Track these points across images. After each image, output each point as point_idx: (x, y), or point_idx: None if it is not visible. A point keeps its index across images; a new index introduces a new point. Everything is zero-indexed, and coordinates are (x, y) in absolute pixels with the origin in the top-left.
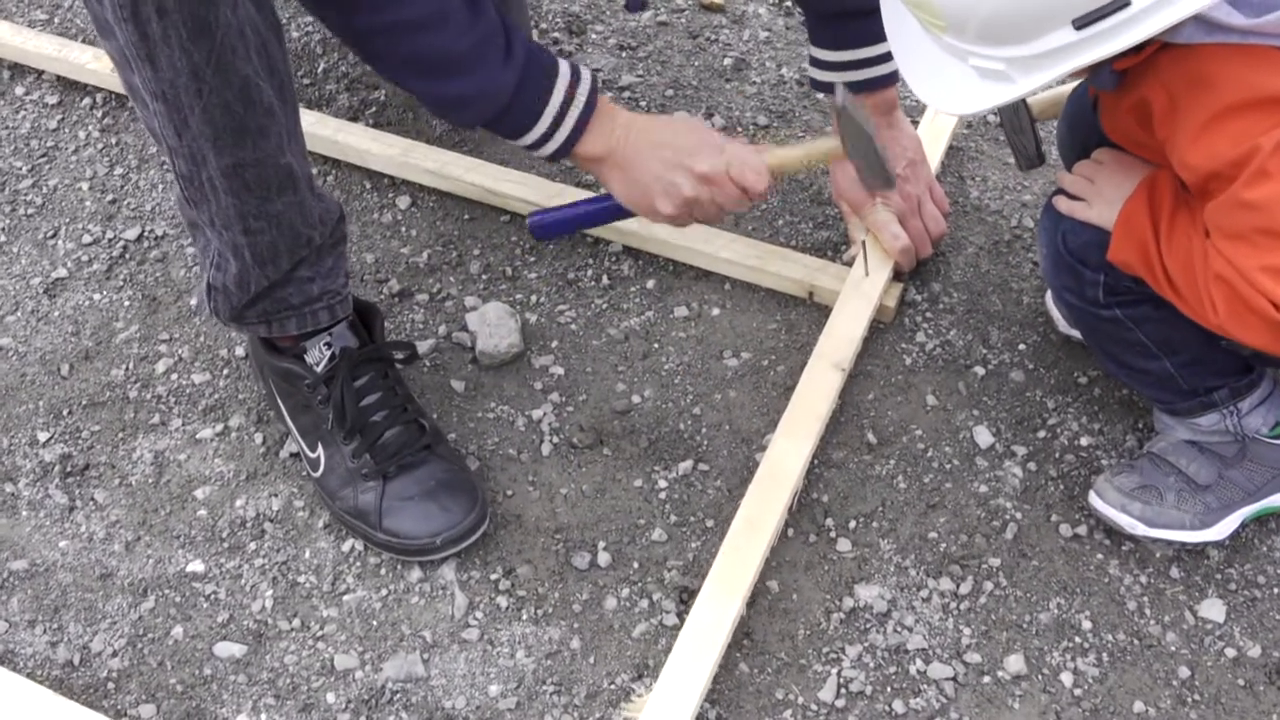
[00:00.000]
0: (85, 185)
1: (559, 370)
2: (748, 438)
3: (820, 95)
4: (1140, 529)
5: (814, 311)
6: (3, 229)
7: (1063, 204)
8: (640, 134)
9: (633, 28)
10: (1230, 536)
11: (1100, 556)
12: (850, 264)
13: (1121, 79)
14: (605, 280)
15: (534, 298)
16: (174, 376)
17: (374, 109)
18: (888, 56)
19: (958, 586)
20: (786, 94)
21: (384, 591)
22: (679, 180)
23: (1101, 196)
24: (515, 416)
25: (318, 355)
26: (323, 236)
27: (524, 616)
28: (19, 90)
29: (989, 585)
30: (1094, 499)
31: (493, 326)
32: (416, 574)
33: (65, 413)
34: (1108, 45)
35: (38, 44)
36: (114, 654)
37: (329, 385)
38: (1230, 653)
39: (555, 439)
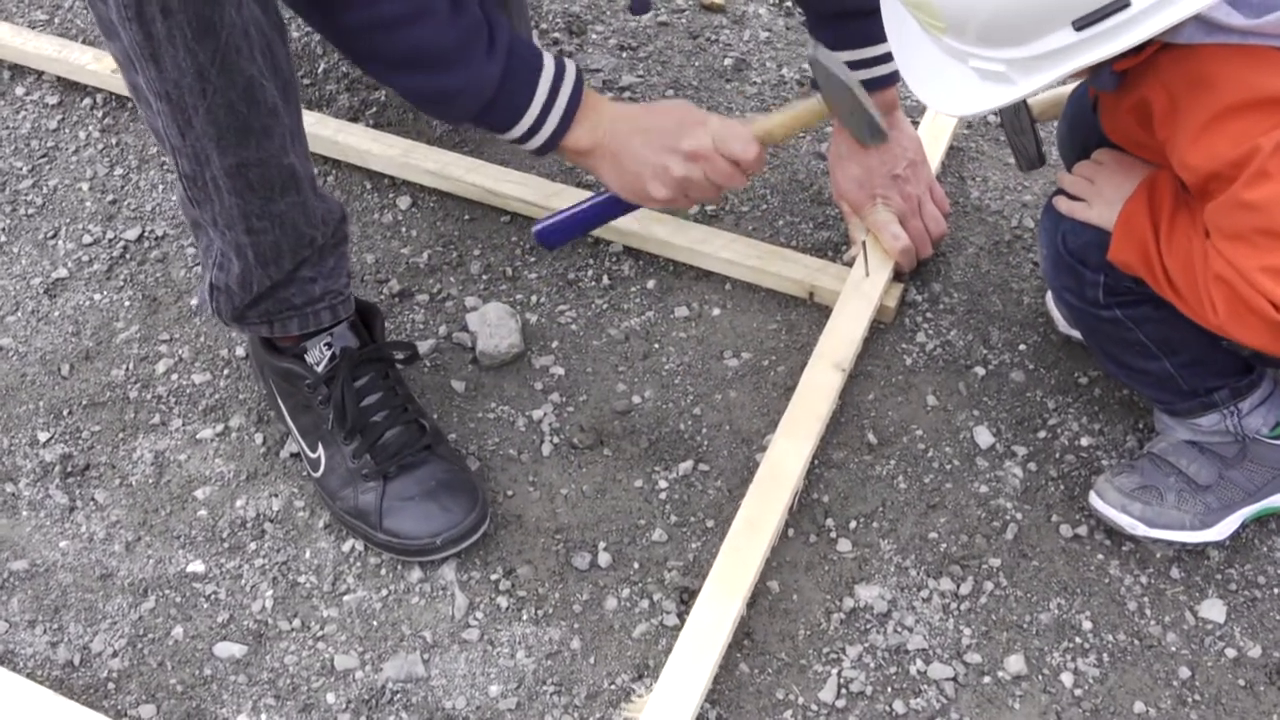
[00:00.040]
0: (85, 185)
1: (559, 370)
2: (748, 438)
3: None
4: (1140, 529)
5: (814, 312)
6: (3, 229)
7: (1063, 204)
8: (626, 122)
9: (633, 28)
10: (1230, 537)
11: (1101, 557)
12: (851, 264)
13: (1122, 80)
14: (606, 280)
15: (534, 298)
16: (174, 377)
17: (374, 109)
18: (888, 57)
19: (958, 587)
20: (787, 94)
21: (384, 592)
22: (668, 161)
23: (1101, 197)
24: (516, 417)
25: (318, 355)
26: (325, 237)
27: (524, 617)
28: (19, 91)
29: (989, 585)
30: (1094, 499)
31: (493, 327)
32: (417, 574)
33: (65, 413)
34: (1108, 46)
35: (38, 45)
36: (114, 654)
37: (329, 385)
38: (1230, 653)
39: (556, 439)
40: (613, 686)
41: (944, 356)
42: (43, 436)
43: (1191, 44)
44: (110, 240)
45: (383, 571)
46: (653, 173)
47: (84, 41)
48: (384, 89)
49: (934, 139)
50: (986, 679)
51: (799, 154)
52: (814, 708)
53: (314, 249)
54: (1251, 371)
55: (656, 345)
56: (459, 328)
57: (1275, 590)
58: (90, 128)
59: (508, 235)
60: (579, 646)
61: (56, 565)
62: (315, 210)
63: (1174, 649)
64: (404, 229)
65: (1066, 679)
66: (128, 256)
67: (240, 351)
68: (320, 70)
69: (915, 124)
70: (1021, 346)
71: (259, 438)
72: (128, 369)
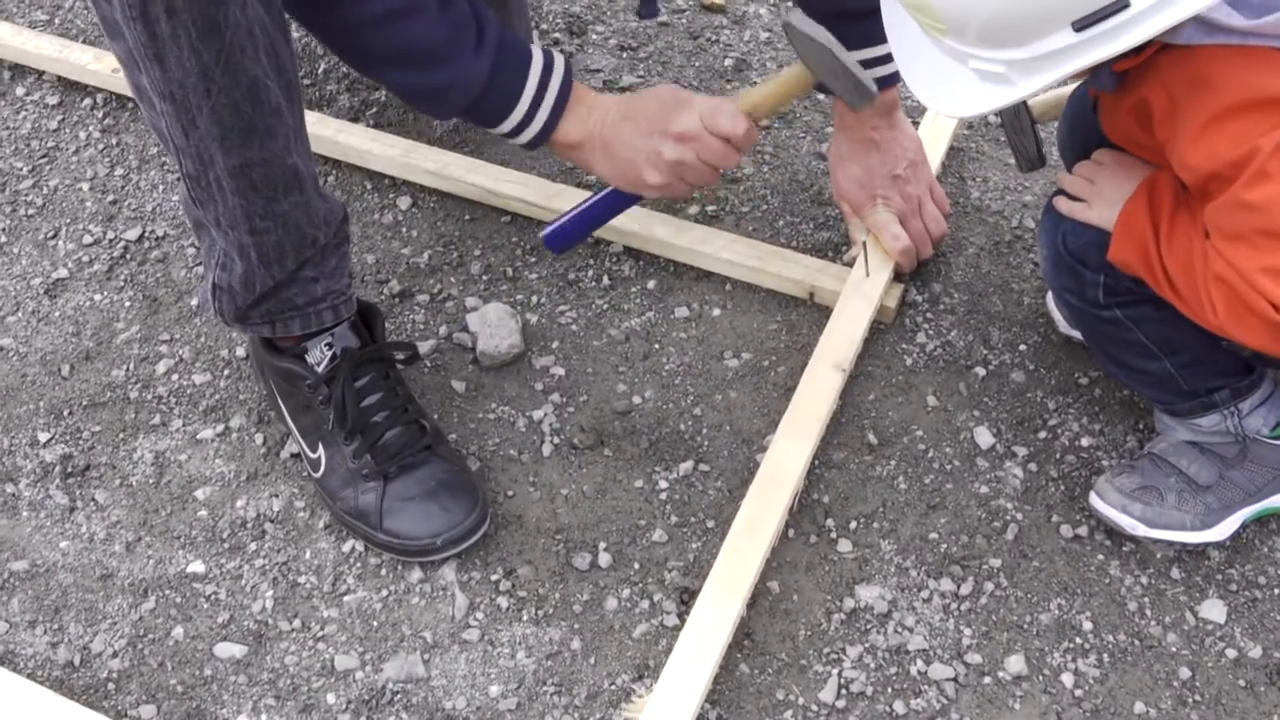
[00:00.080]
0: (86, 186)
1: (560, 371)
2: (748, 438)
3: (821, 96)
4: (1141, 530)
5: (815, 312)
6: (3, 229)
7: (1063, 205)
8: (614, 112)
9: (633, 28)
10: (1231, 537)
11: (1101, 557)
12: (851, 265)
13: (1121, 80)
14: (606, 281)
15: (535, 298)
16: (175, 377)
17: (375, 110)
18: (888, 58)
19: (958, 587)
20: None
21: (384, 592)
22: (658, 146)
23: (1102, 197)
24: (516, 417)
25: (319, 355)
26: (327, 237)
27: (524, 617)
28: (20, 91)
29: (990, 586)
30: (1095, 500)
31: (493, 327)
32: (417, 574)
33: (66, 413)
34: (1108, 47)
35: (38, 45)
36: (114, 654)
37: (330, 385)
38: (1231, 653)
39: (556, 439)
40: (613, 687)
41: (944, 357)
42: (43, 437)
43: (1191, 45)
44: (111, 240)
45: (383, 572)
46: (645, 159)
47: (84, 41)
48: (384, 89)
49: (934, 139)
50: (987, 679)
51: (799, 154)
52: (814, 708)
53: (316, 249)
54: (1252, 372)
55: (657, 345)
56: (459, 328)
57: (1276, 591)
58: (91, 128)
59: (508, 235)
60: (579, 647)
61: (57, 565)
62: (318, 210)
63: (1174, 649)
64: (404, 229)
65: (1067, 679)
66: (128, 257)
67: (241, 352)
68: (321, 70)
69: (915, 124)
70: (1022, 347)
71: (259, 438)
72: (128, 369)
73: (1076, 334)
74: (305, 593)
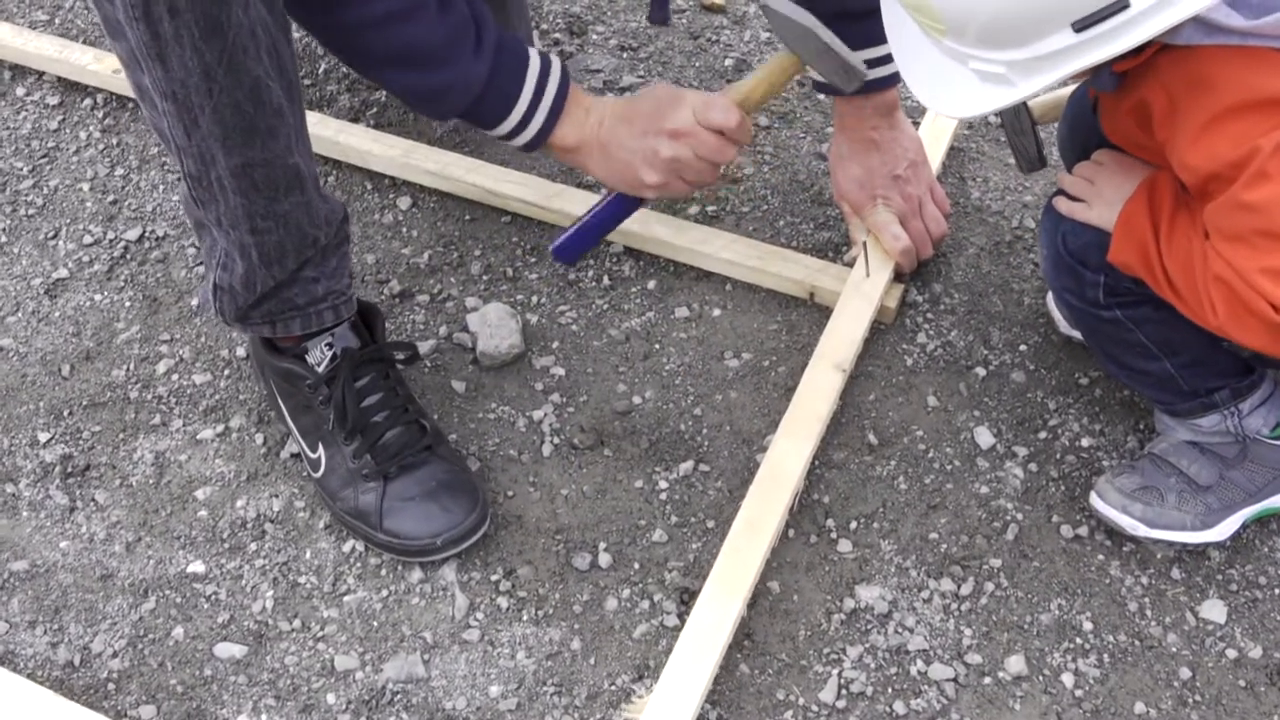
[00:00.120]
0: (86, 186)
1: (560, 371)
2: (748, 438)
3: (821, 96)
4: (1141, 530)
5: (815, 312)
6: (4, 229)
7: (1063, 205)
8: (609, 114)
9: (634, 29)
10: (1231, 537)
11: (1101, 557)
12: (851, 265)
13: (1121, 81)
14: (606, 281)
15: (535, 298)
16: (175, 377)
17: (375, 110)
18: (889, 58)
19: (959, 587)
20: (787, 95)
21: (384, 592)
22: (654, 144)
23: (1101, 198)
24: (516, 417)
25: (319, 356)
26: (328, 237)
27: (525, 617)
28: (20, 91)
29: (990, 586)
30: (1095, 500)
31: (493, 327)
32: (417, 575)
33: (66, 413)
34: (1107, 48)
35: (39, 45)
36: (114, 655)
37: (330, 386)
38: (1231, 654)
39: (556, 440)
40: (613, 687)
41: (945, 357)
42: (43, 437)
43: (1191, 45)
44: (111, 241)
45: (383, 572)
46: (642, 159)
47: (85, 42)
48: (384, 91)
49: (935, 140)
50: (987, 679)
51: (799, 154)
52: (814, 708)
53: (317, 249)
54: (1252, 372)
55: (657, 346)
56: (459, 328)
57: (1276, 591)
58: (91, 128)
59: (508, 236)
60: (579, 647)
61: (57, 566)
62: (319, 210)
63: (1175, 650)
64: (404, 229)
65: (1067, 679)
66: (128, 257)
67: (241, 352)
68: (321, 71)
69: (916, 125)
70: (1022, 347)
71: (259, 438)
72: (128, 369)
73: (1077, 334)
74: (305, 593)
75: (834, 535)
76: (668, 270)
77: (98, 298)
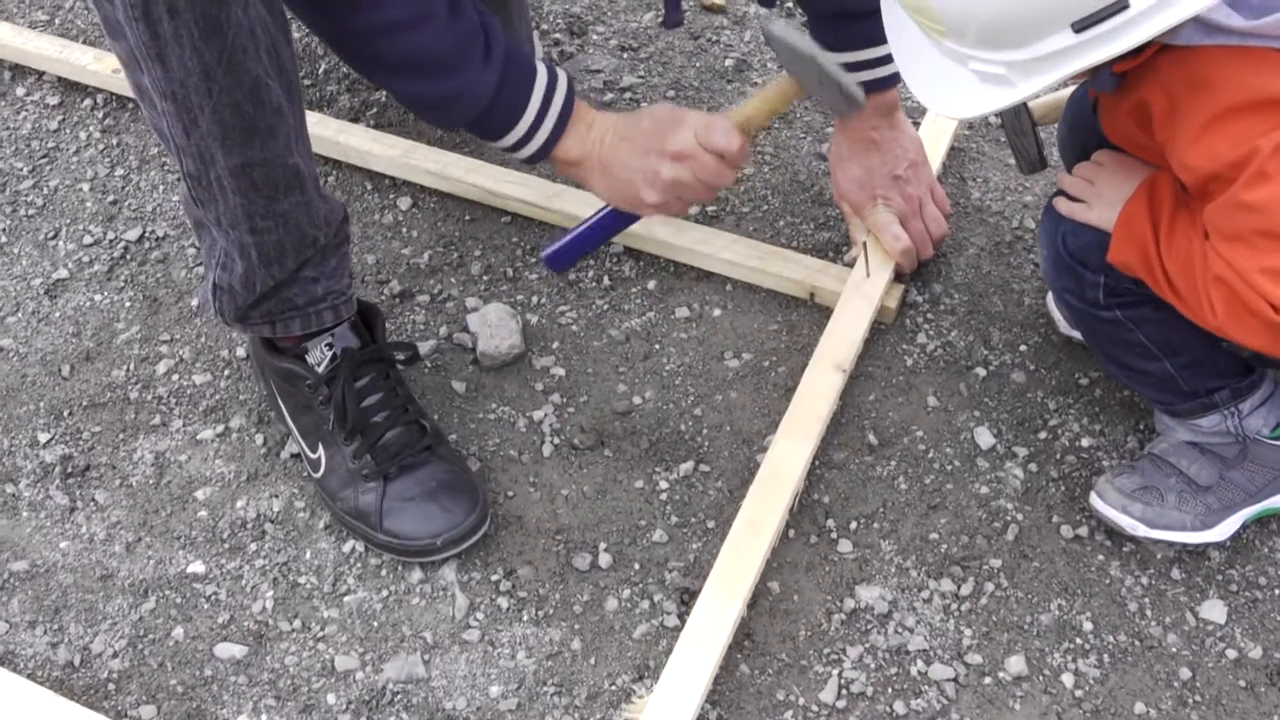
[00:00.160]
0: (86, 186)
1: (560, 371)
2: (749, 439)
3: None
4: (1141, 530)
5: (815, 312)
6: (4, 230)
7: (1063, 205)
8: (612, 132)
9: (634, 29)
10: (1231, 538)
11: (1101, 558)
12: (851, 265)
13: (1121, 81)
14: (606, 281)
15: (535, 299)
16: (175, 377)
17: (375, 110)
18: (889, 58)
19: (959, 587)
20: None
21: (385, 592)
22: (655, 165)
23: (1101, 198)
24: (516, 417)
25: (319, 356)
26: (327, 237)
27: (525, 617)
28: (20, 91)
29: (990, 586)
30: (1095, 500)
31: (494, 327)
32: (417, 575)
33: (66, 414)
34: (1107, 48)
35: (39, 45)
36: (114, 655)
37: (330, 386)
38: (1231, 654)
39: (556, 440)
40: (613, 687)
41: (945, 357)
42: (43, 437)
43: (1191, 45)
44: (111, 241)
45: (383, 572)
46: (643, 179)
47: (85, 42)
48: (393, 98)
49: (935, 140)
50: (987, 680)
51: (799, 154)
52: (814, 708)
53: (317, 249)
54: (1252, 372)
55: (657, 346)
56: (460, 328)
57: (1276, 591)
58: (91, 128)
59: (508, 236)
60: (579, 647)
61: (57, 566)
62: (318, 210)
63: (1175, 650)
64: (404, 229)
65: (1067, 680)
66: (128, 257)
67: (241, 352)
68: (321, 71)
69: (916, 125)
70: (1022, 347)
71: (259, 438)
72: (128, 370)
73: (1077, 334)
74: (305, 593)
75: (834, 535)
76: (668, 270)
77: (98, 298)
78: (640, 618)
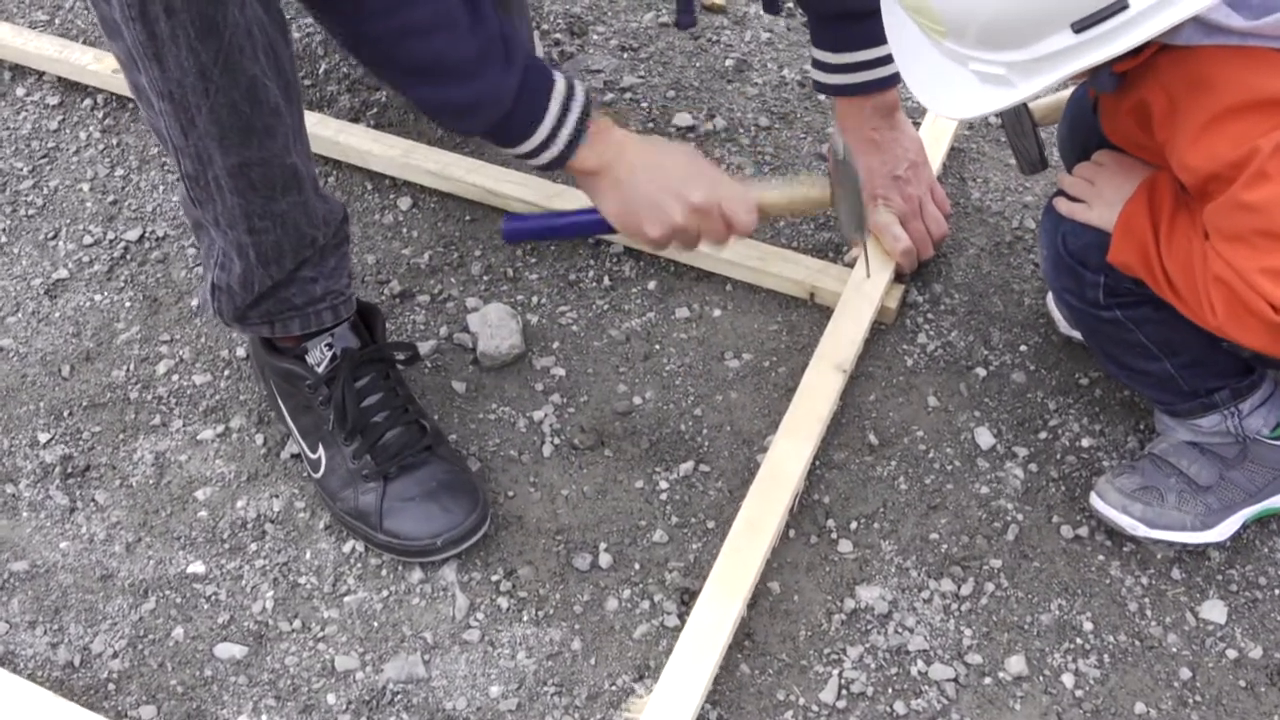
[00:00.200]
0: (86, 186)
1: (560, 371)
2: (749, 439)
3: (822, 97)
4: (1141, 530)
5: (815, 313)
6: (4, 230)
7: (1063, 205)
8: (637, 154)
9: (634, 29)
10: (1231, 538)
11: (1101, 558)
12: (852, 265)
13: (1121, 81)
14: (607, 281)
15: (535, 299)
16: (175, 377)
17: (375, 110)
18: (889, 58)
19: (959, 588)
20: (788, 95)
21: (385, 593)
22: (672, 207)
23: (1102, 198)
24: (516, 418)
25: (319, 356)
26: (326, 237)
27: (525, 618)
28: (20, 91)
29: (990, 586)
30: (1095, 500)
31: (494, 327)
32: (417, 575)
33: (66, 414)
34: (1107, 48)
35: (39, 45)
36: (114, 655)
37: (330, 386)
38: (1231, 654)
39: (556, 440)
40: (613, 687)
41: (945, 357)
42: (43, 437)
43: (1191, 45)
44: (111, 241)
45: (383, 572)
46: (654, 213)
47: (85, 42)
48: (385, 90)
49: (935, 140)
50: (987, 680)
51: (799, 154)
52: (815, 708)
53: (315, 249)
54: (1252, 372)
55: (657, 346)
56: (460, 328)
57: (1276, 591)
58: (91, 128)
59: None
60: (580, 647)
61: (57, 566)
62: (317, 210)
63: (1175, 650)
64: (405, 230)
65: (1067, 680)
66: (128, 257)
67: (241, 352)
68: (321, 71)
69: (916, 125)
70: (1022, 347)
71: (259, 439)
72: (128, 370)
73: (1077, 334)
74: (305, 593)
75: (834, 535)
76: (668, 270)
77: (98, 298)
78: (640, 618)
